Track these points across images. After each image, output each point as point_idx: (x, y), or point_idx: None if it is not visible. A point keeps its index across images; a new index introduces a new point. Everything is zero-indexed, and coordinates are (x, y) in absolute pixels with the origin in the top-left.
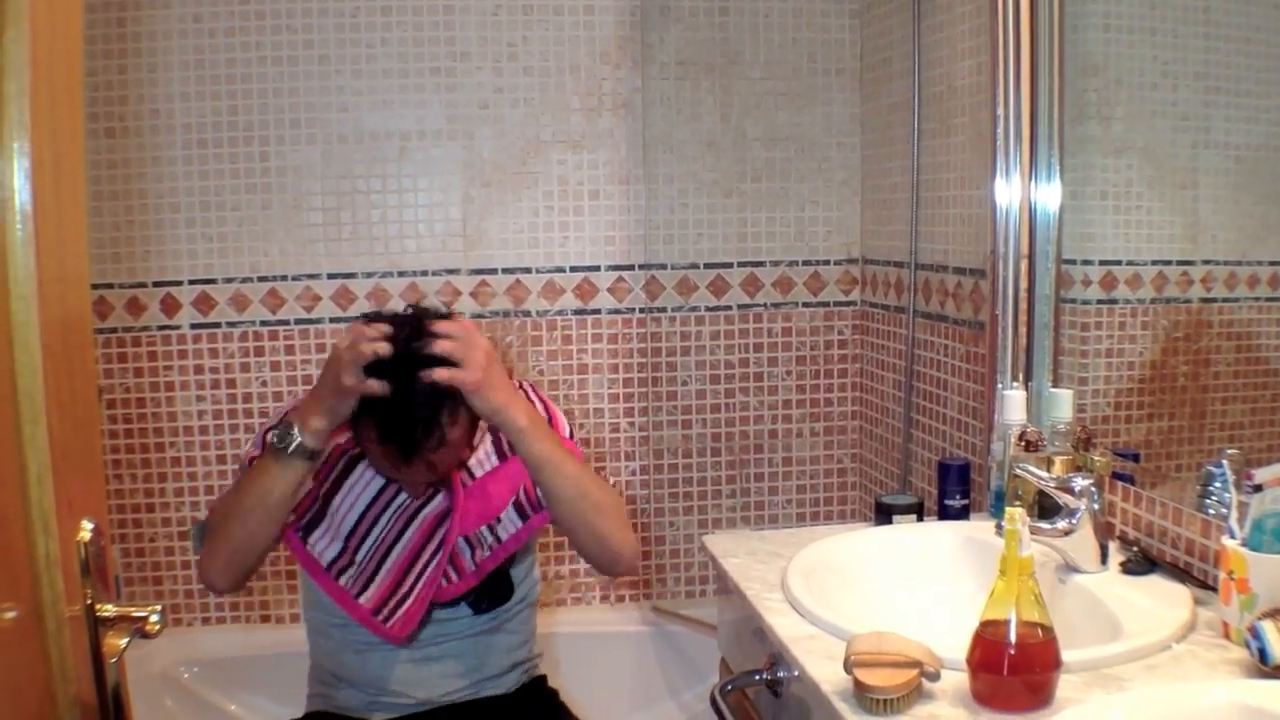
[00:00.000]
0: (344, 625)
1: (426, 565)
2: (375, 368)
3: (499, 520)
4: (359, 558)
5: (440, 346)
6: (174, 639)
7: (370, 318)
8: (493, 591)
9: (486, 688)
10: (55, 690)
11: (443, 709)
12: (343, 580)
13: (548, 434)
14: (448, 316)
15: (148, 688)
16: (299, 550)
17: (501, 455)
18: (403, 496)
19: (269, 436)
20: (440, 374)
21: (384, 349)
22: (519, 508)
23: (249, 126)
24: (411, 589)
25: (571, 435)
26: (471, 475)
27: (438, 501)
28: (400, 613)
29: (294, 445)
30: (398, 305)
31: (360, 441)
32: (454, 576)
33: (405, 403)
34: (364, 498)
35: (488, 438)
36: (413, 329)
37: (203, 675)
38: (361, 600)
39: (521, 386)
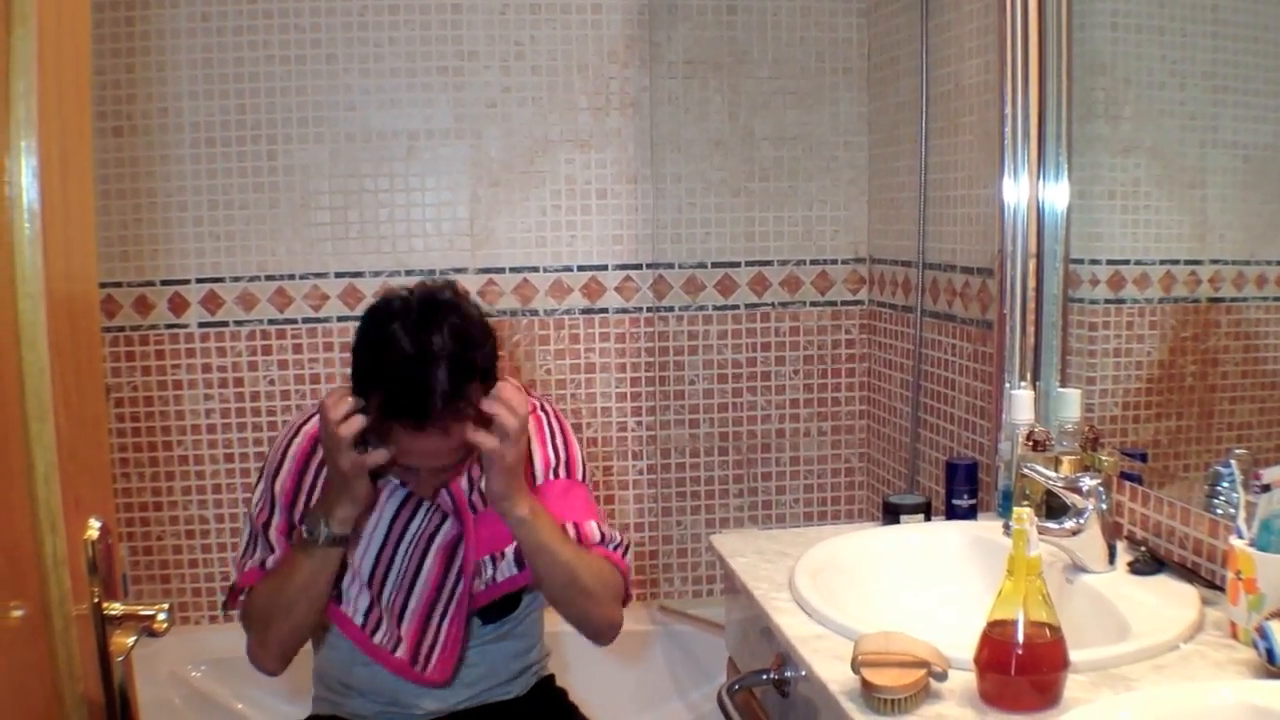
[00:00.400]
0: (349, 643)
1: (450, 600)
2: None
3: (503, 555)
4: (384, 602)
5: (504, 420)
6: (181, 637)
7: (382, 306)
8: (500, 603)
9: (496, 694)
10: (62, 689)
11: (453, 716)
12: (376, 639)
13: (546, 523)
14: (454, 303)
15: (155, 686)
16: (337, 616)
17: (551, 474)
18: (414, 528)
19: (296, 534)
20: (486, 440)
21: (356, 425)
22: (520, 557)
23: (257, 125)
24: (439, 629)
25: (585, 469)
26: (483, 500)
27: (447, 529)
28: (434, 660)
29: (324, 538)
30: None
31: (371, 424)
32: (480, 587)
33: (417, 371)
34: (376, 537)
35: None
36: (436, 301)
37: (210, 673)
38: (398, 654)
39: (546, 413)
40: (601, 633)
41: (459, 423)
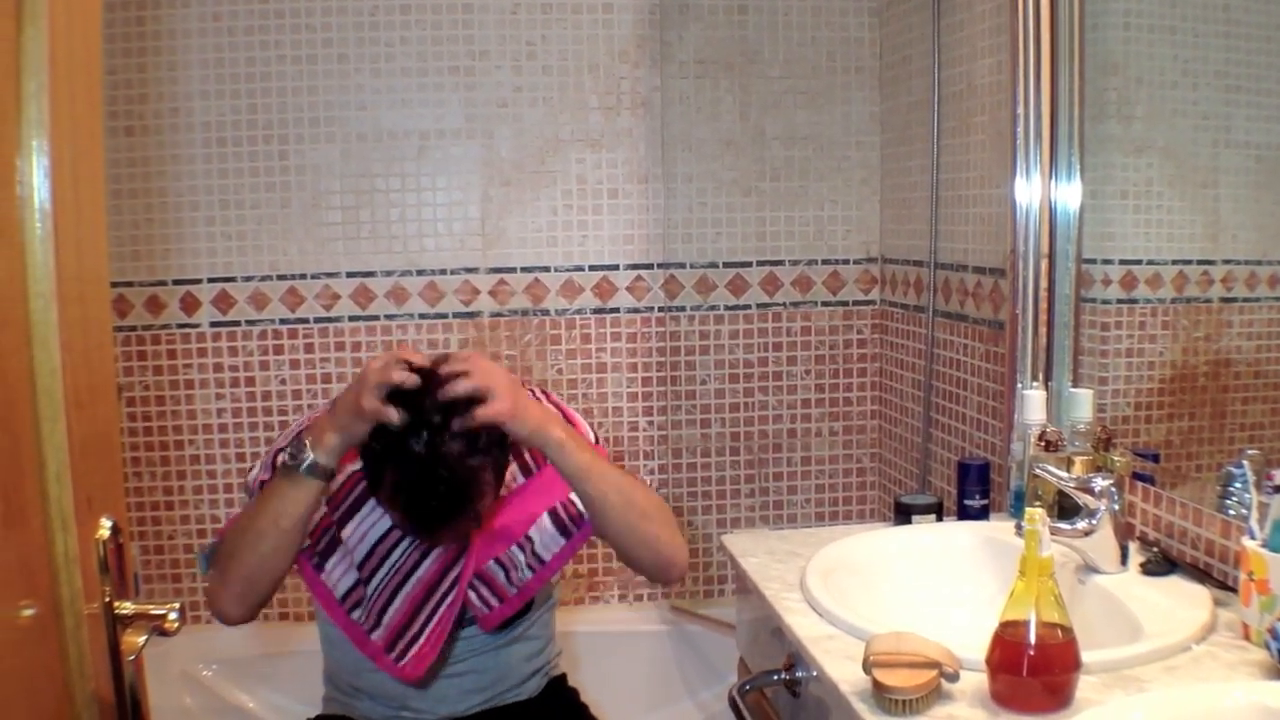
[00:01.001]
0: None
1: (440, 604)
2: (399, 398)
3: (536, 539)
4: (370, 590)
5: (461, 387)
6: (193, 636)
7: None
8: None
9: (508, 696)
10: (73, 688)
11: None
12: (355, 615)
13: (584, 444)
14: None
15: (166, 685)
16: (313, 580)
17: (527, 472)
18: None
19: (280, 457)
20: (480, 414)
21: (411, 379)
22: (560, 525)
23: (268, 125)
24: (423, 628)
25: (597, 439)
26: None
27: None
28: (412, 653)
29: (306, 463)
30: (417, 304)
31: (386, 509)
32: (494, 602)
33: (431, 483)
34: (378, 528)
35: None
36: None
37: (221, 672)
38: (373, 637)
39: (535, 392)
40: (672, 560)
41: (475, 516)
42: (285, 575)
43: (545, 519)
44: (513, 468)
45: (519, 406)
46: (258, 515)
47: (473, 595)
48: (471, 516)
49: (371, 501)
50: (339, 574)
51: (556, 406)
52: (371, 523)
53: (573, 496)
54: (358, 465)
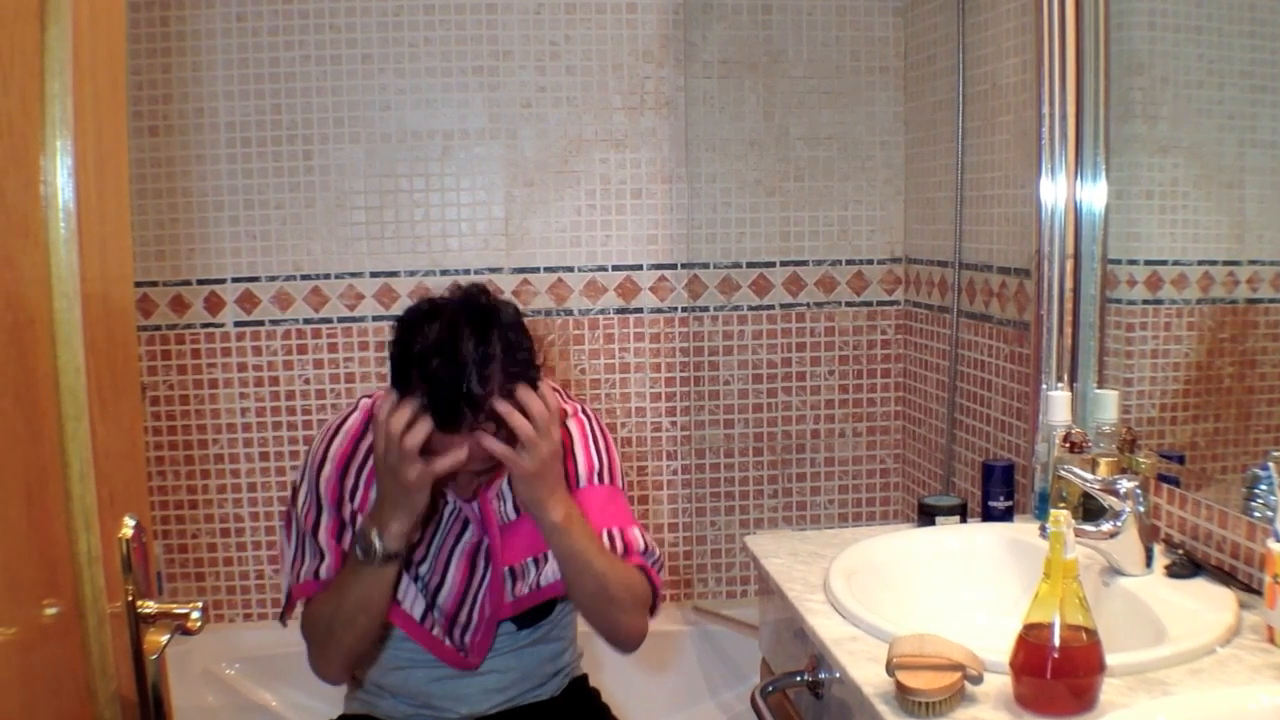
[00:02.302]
0: (386, 645)
1: (474, 604)
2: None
3: (546, 559)
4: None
5: (517, 425)
6: (216, 635)
7: (417, 310)
8: (536, 609)
9: (530, 696)
10: (95, 686)
11: (486, 719)
12: (435, 632)
13: (579, 529)
14: (515, 319)
15: (189, 683)
16: (394, 613)
17: (588, 478)
18: (438, 539)
19: (353, 548)
20: (498, 448)
21: (423, 433)
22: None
23: (292, 125)
24: (466, 629)
25: (622, 484)
26: (515, 510)
27: (469, 537)
28: (469, 643)
29: (379, 557)
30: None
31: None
32: (522, 590)
33: (455, 377)
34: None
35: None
36: (473, 307)
37: (244, 671)
38: (437, 634)
39: (587, 417)
40: (625, 642)
41: (494, 430)
42: (381, 633)
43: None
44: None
45: (538, 476)
46: (343, 604)
47: (508, 585)
48: (491, 415)
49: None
50: (411, 598)
51: (603, 433)
52: None
53: (628, 530)
54: None
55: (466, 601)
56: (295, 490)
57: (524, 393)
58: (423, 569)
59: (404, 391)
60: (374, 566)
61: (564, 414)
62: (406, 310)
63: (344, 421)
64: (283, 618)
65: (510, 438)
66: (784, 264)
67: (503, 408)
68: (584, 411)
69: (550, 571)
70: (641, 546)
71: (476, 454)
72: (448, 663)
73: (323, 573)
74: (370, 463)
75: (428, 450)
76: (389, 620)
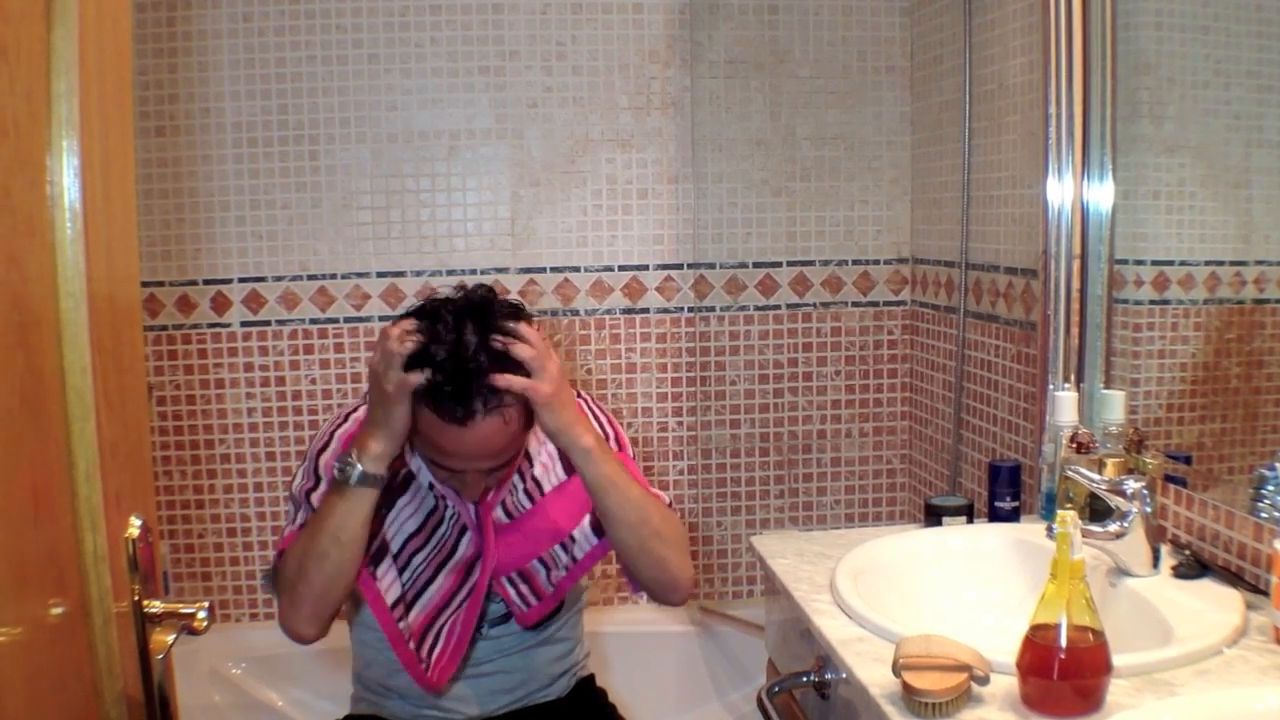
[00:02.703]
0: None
1: (455, 614)
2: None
3: (574, 539)
4: (408, 598)
5: (520, 351)
6: (222, 634)
7: (425, 307)
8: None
9: (537, 696)
10: (102, 686)
11: (494, 719)
12: (400, 624)
13: (611, 456)
14: (515, 310)
15: (195, 683)
16: (366, 584)
17: (570, 470)
18: (435, 540)
19: (331, 470)
20: (514, 381)
21: (413, 342)
22: (596, 525)
23: (299, 125)
24: (438, 637)
25: (635, 458)
26: (512, 512)
27: (465, 546)
28: (437, 659)
29: (356, 475)
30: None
31: (417, 424)
32: (533, 600)
33: (461, 362)
34: (409, 526)
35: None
36: (475, 302)
37: (250, 670)
38: (410, 645)
39: (584, 399)
40: (678, 582)
41: (503, 419)
42: (352, 586)
43: (587, 519)
44: (555, 465)
45: (557, 398)
46: (317, 534)
47: (512, 592)
48: (497, 409)
49: (408, 494)
50: (390, 580)
51: (606, 419)
52: (409, 514)
53: (650, 488)
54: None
55: (442, 615)
56: (294, 474)
57: (513, 327)
58: (415, 560)
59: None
60: (350, 488)
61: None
62: (412, 311)
63: (354, 410)
64: (268, 581)
65: (504, 452)
66: (790, 264)
67: (499, 344)
68: (581, 395)
69: (582, 544)
70: (668, 501)
71: (485, 451)
72: (406, 667)
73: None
74: None
75: (436, 448)
76: (361, 593)
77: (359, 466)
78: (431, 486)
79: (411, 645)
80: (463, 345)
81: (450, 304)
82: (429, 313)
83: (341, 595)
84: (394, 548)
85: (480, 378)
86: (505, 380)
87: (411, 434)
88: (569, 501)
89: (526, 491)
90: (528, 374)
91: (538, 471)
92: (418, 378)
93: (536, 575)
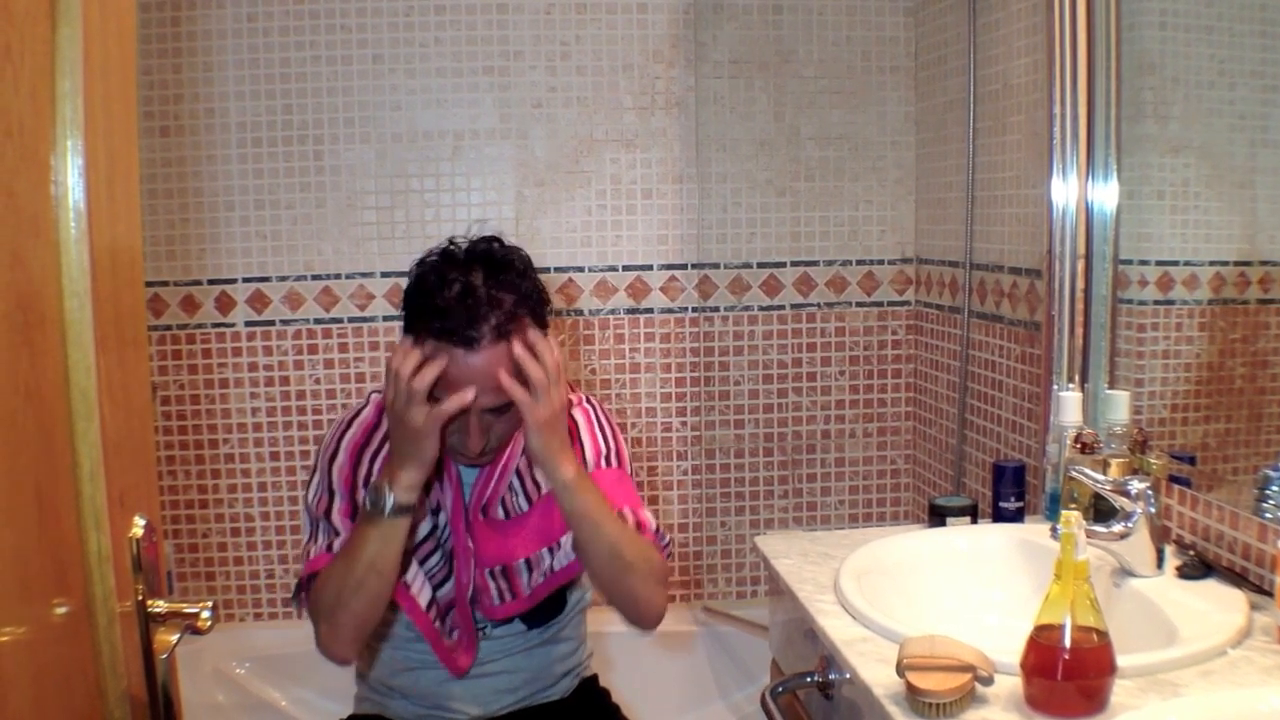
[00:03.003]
0: (397, 646)
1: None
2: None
3: (559, 546)
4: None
5: (531, 371)
6: (226, 634)
7: (431, 253)
8: (544, 607)
9: (540, 697)
10: (105, 685)
11: (497, 719)
12: (437, 623)
13: (591, 489)
14: (524, 260)
15: (200, 682)
16: (401, 594)
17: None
18: (441, 532)
19: (363, 502)
20: (515, 390)
21: (432, 375)
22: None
23: (303, 125)
24: (456, 618)
25: (631, 472)
26: (511, 511)
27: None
28: (455, 643)
29: (389, 507)
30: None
31: (426, 349)
32: (508, 596)
33: (470, 290)
34: (422, 529)
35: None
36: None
37: (254, 670)
38: (444, 642)
39: (591, 405)
40: (646, 614)
41: (507, 348)
42: (384, 609)
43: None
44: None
45: (551, 426)
46: (353, 565)
47: (492, 585)
48: (503, 332)
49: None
50: (420, 584)
51: (608, 421)
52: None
53: (639, 511)
54: None
55: (456, 609)
56: (307, 486)
57: (537, 337)
58: (431, 561)
59: (417, 336)
60: (384, 519)
61: (569, 404)
62: (419, 259)
63: (357, 415)
64: (297, 603)
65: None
66: (794, 264)
67: (518, 350)
68: (588, 401)
69: (564, 555)
70: (653, 526)
71: (492, 372)
72: (443, 662)
73: (336, 546)
74: (384, 449)
75: (445, 383)
76: (396, 602)
77: (392, 498)
78: (429, 489)
79: (445, 640)
80: (471, 285)
81: (460, 248)
82: (442, 255)
83: (379, 616)
84: (418, 555)
85: (488, 308)
86: (508, 383)
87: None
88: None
89: (526, 493)
90: (543, 299)
91: (539, 473)
92: (455, 404)
93: (519, 576)
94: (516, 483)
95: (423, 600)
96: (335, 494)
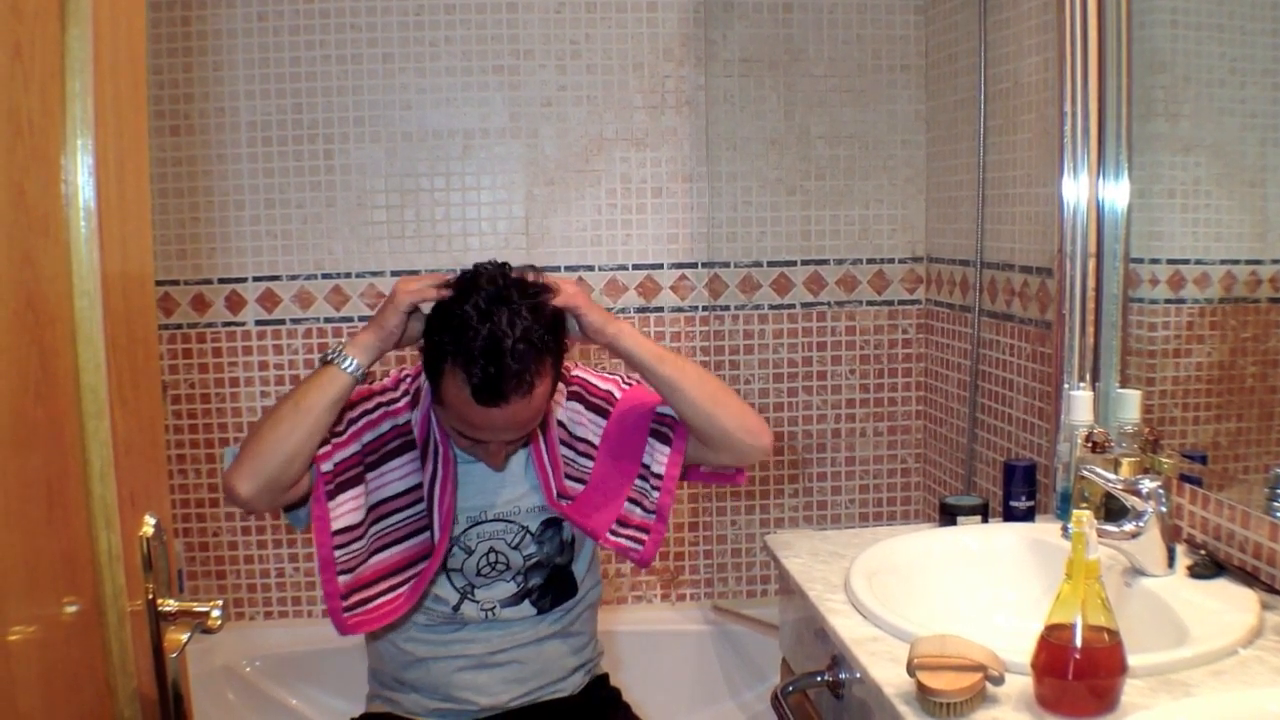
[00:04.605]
0: (406, 638)
1: (405, 581)
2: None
3: (647, 467)
4: (363, 538)
5: (557, 301)
6: (236, 633)
7: (456, 294)
8: (555, 589)
9: (549, 691)
10: (116, 684)
11: (507, 714)
12: (338, 553)
13: (648, 339)
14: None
15: (210, 681)
16: (317, 500)
17: (603, 413)
18: (420, 506)
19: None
20: (557, 299)
21: (423, 296)
22: (660, 436)
23: (313, 124)
24: (380, 594)
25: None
26: (581, 477)
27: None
28: (361, 613)
29: (334, 352)
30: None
31: (444, 395)
32: (643, 536)
33: (497, 345)
34: (397, 485)
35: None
36: (502, 279)
37: (264, 669)
38: (340, 580)
39: (580, 367)
40: (761, 429)
41: (531, 398)
42: (296, 461)
43: (649, 443)
44: (591, 422)
45: (591, 306)
46: (282, 401)
47: (623, 540)
48: (528, 392)
49: (401, 458)
50: (345, 509)
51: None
52: (395, 478)
53: (658, 409)
54: (401, 419)
55: (388, 580)
56: None
57: (538, 288)
58: (390, 520)
59: (439, 369)
60: (326, 367)
61: (565, 379)
62: (439, 303)
63: (378, 379)
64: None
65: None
66: (805, 263)
67: (531, 301)
68: (579, 366)
69: (659, 456)
70: None
71: (513, 424)
72: (326, 597)
73: None
74: (375, 411)
75: (465, 421)
76: (312, 518)
77: (341, 350)
78: (421, 461)
79: (342, 579)
80: (497, 335)
81: (482, 293)
82: (460, 298)
83: (282, 459)
84: (376, 497)
85: (514, 363)
86: (549, 299)
87: (438, 404)
88: (621, 440)
89: (581, 454)
90: (562, 339)
91: (579, 431)
92: (432, 291)
93: (632, 515)
94: (570, 453)
95: (338, 523)
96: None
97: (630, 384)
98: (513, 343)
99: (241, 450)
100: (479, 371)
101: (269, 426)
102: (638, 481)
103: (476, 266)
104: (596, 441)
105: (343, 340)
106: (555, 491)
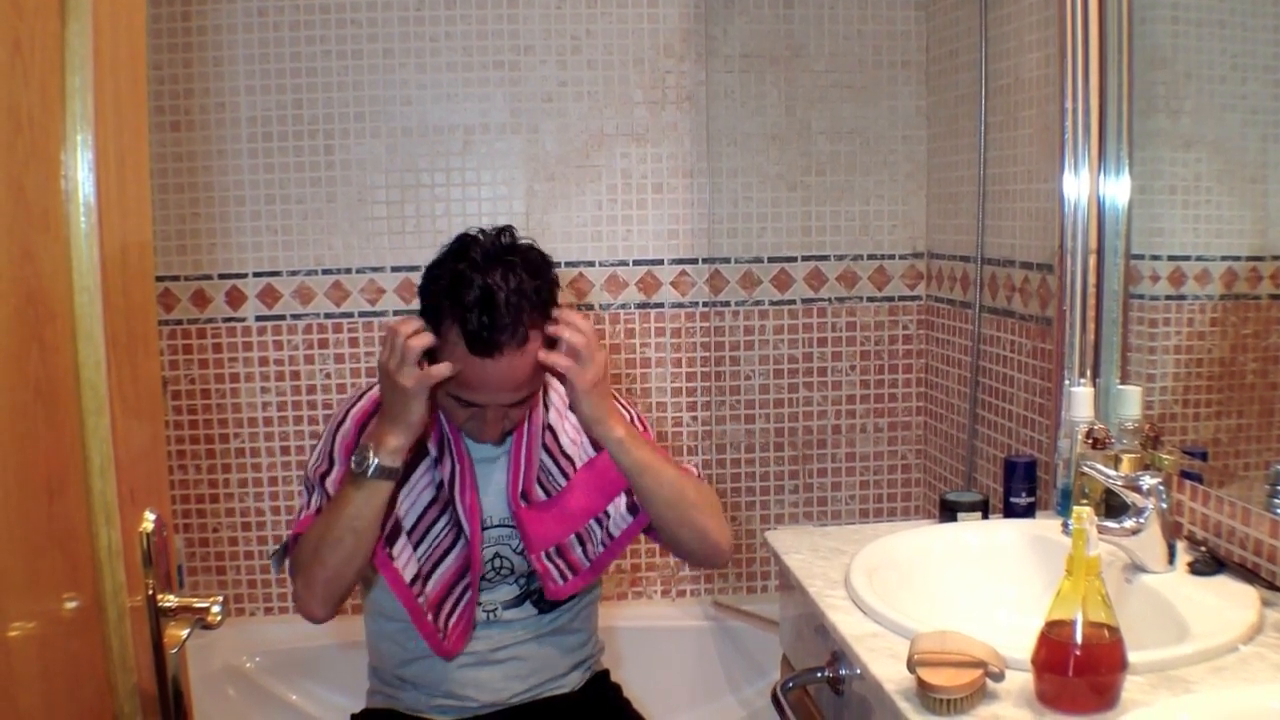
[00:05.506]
0: (406, 635)
1: (465, 589)
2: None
3: (612, 514)
4: (419, 578)
5: (573, 339)
6: (237, 628)
7: (449, 250)
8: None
9: (550, 688)
10: (115, 680)
11: (507, 710)
12: (420, 599)
13: (641, 441)
14: (541, 256)
15: (210, 677)
16: (384, 563)
17: (598, 445)
18: (449, 511)
19: (348, 461)
20: (559, 360)
21: (427, 340)
22: (631, 504)
23: (314, 120)
24: (458, 603)
25: (654, 436)
26: (550, 489)
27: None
28: (449, 629)
29: (373, 468)
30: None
31: (440, 354)
32: (569, 575)
33: (490, 297)
34: (425, 497)
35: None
36: (503, 246)
37: (265, 665)
38: (428, 618)
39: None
40: (718, 545)
41: (524, 353)
42: (365, 569)
43: (622, 498)
44: (583, 439)
45: (598, 389)
46: (333, 523)
47: (551, 568)
48: (523, 342)
49: (419, 468)
50: (406, 557)
51: (621, 403)
52: (422, 486)
53: (681, 464)
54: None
55: (459, 585)
56: (312, 453)
57: (567, 312)
58: (432, 532)
59: (435, 327)
60: (367, 480)
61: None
62: (437, 257)
63: (369, 390)
64: (277, 561)
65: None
66: (805, 259)
67: (554, 326)
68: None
69: (619, 520)
70: (696, 472)
71: (507, 381)
72: (425, 637)
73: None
74: None
75: (461, 381)
76: (378, 570)
77: (375, 460)
78: (438, 461)
79: (429, 617)
80: (491, 286)
81: (478, 246)
82: (458, 252)
83: (354, 578)
84: (408, 524)
85: (507, 314)
86: (551, 359)
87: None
88: (601, 478)
89: (560, 469)
90: (553, 301)
91: (567, 446)
92: (442, 370)
93: (572, 550)
94: (549, 461)
95: (407, 574)
96: (335, 461)
97: (643, 428)
98: (506, 294)
99: (307, 579)
100: (474, 319)
101: (330, 552)
102: (594, 523)
103: (479, 230)
104: (578, 464)
105: (369, 450)
106: (520, 490)
